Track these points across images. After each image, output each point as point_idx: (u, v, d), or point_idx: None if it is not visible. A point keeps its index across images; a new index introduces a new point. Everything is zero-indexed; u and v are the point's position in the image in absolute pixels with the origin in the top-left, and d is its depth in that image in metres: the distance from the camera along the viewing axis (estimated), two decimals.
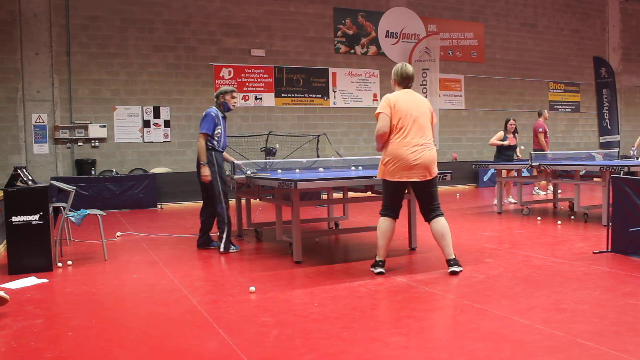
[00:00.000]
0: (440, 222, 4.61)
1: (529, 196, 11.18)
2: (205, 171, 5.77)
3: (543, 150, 10.82)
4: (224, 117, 5.99)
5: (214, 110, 5.92)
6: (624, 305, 3.56)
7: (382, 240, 4.63)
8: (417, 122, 4.53)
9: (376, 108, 4.50)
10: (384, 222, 4.64)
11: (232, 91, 5.99)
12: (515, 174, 9.07)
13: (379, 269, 4.61)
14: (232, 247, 5.89)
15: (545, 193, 11.43)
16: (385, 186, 4.67)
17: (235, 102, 6.02)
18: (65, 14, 11.35)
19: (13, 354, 2.99)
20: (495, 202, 9.29)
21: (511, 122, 9.68)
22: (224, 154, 6.13)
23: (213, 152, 5.83)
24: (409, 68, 4.72)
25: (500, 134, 9.64)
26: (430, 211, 4.66)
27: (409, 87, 4.72)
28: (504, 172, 9.23)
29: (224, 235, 5.82)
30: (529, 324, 3.21)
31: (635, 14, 18.39)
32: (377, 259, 4.67)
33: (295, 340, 3.07)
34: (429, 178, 4.57)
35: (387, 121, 4.53)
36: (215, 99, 6.05)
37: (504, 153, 9.63)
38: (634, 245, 4.99)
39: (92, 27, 11.61)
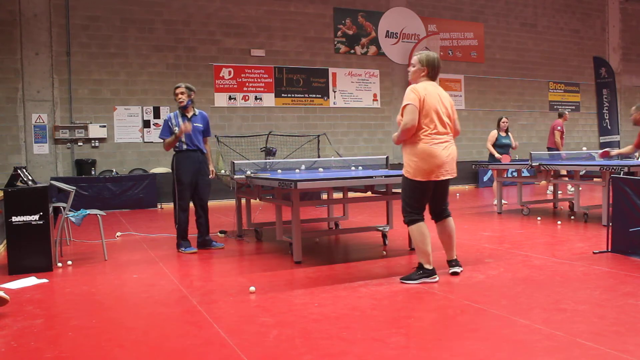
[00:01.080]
0: (451, 223, 4.56)
1: (528, 196, 11.18)
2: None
3: (557, 149, 10.79)
4: (184, 116, 5.95)
5: (171, 114, 6.03)
6: (624, 305, 3.55)
7: (427, 247, 4.33)
8: (444, 117, 4.33)
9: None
10: (421, 228, 4.33)
11: (175, 89, 5.99)
12: (514, 174, 9.08)
13: (435, 277, 4.33)
14: (181, 248, 5.96)
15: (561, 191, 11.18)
16: (414, 188, 4.32)
17: (179, 99, 5.90)
18: (65, 14, 11.35)
19: (13, 354, 2.99)
20: (495, 202, 9.29)
21: (504, 120, 9.69)
22: (207, 154, 6.13)
23: (175, 154, 5.96)
24: (438, 59, 4.46)
25: (494, 133, 9.61)
26: (443, 210, 4.55)
27: (435, 80, 4.44)
28: (496, 172, 9.22)
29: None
30: (529, 324, 3.21)
31: (635, 14, 18.39)
32: (428, 267, 4.33)
33: (295, 340, 3.07)
34: (454, 175, 4.44)
35: (416, 114, 4.20)
36: None
37: (497, 152, 9.59)
38: (634, 245, 4.99)
39: (92, 27, 11.61)
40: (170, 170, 6.08)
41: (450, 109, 4.43)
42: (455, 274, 4.51)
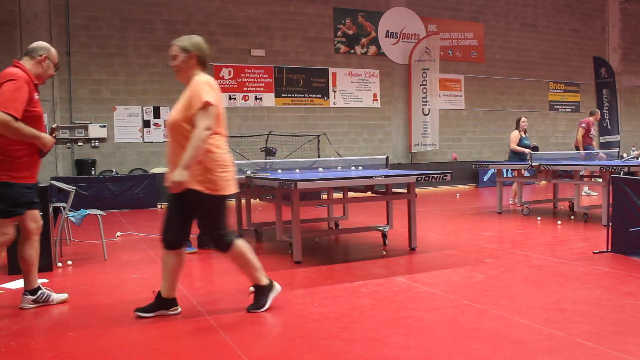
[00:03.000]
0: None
1: (528, 195, 11.18)
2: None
3: (577, 147, 10.66)
4: None
5: None
6: (624, 305, 3.56)
7: (256, 261, 3.66)
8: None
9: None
10: (245, 245, 3.60)
11: None
12: (513, 174, 9.08)
13: (278, 286, 3.76)
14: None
15: (597, 194, 10.77)
16: (222, 203, 3.48)
17: None
18: (65, 14, 11.35)
19: (13, 354, 2.99)
20: (512, 201, 9.41)
21: (523, 119, 9.65)
22: None
23: None
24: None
25: (516, 133, 9.51)
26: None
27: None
28: (515, 173, 9.14)
29: None
30: (529, 324, 3.21)
31: (635, 14, 18.39)
32: (266, 281, 3.70)
33: (295, 340, 3.08)
34: None
35: (214, 118, 3.38)
36: None
37: (520, 154, 9.43)
38: (634, 245, 4.99)
39: (92, 27, 11.61)
40: None
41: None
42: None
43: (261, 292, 3.67)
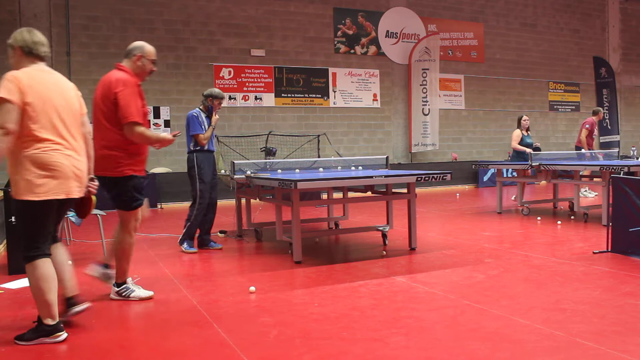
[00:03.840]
0: (62, 249, 3.49)
1: (528, 195, 11.18)
2: None
3: (581, 148, 10.62)
4: (208, 118, 6.00)
5: (196, 111, 5.98)
6: (624, 305, 3.56)
7: (52, 294, 3.14)
8: (66, 115, 3.29)
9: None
10: (47, 268, 3.14)
11: (222, 98, 6.04)
12: (514, 174, 9.07)
13: (60, 334, 3.16)
14: (185, 246, 5.95)
15: (596, 194, 10.72)
16: (27, 209, 3.13)
17: (218, 108, 6.01)
18: (65, 14, 11.35)
19: (13, 354, 2.99)
20: (514, 197, 9.40)
21: (525, 118, 9.63)
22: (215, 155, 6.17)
23: (195, 154, 5.94)
24: (38, 32, 3.31)
25: (518, 132, 9.49)
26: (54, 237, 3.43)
27: (43, 61, 3.31)
28: (516, 173, 9.12)
29: (184, 230, 6.02)
30: (529, 324, 3.21)
31: (635, 14, 18.39)
32: (50, 323, 3.14)
33: (295, 340, 3.08)
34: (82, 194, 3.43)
35: (16, 114, 3.03)
36: (203, 98, 6.08)
37: (522, 153, 9.40)
38: (634, 245, 4.99)
39: (92, 27, 11.61)
40: (188, 169, 5.99)
41: (79, 104, 3.43)
42: (77, 313, 3.46)
43: (36, 329, 3.16)
